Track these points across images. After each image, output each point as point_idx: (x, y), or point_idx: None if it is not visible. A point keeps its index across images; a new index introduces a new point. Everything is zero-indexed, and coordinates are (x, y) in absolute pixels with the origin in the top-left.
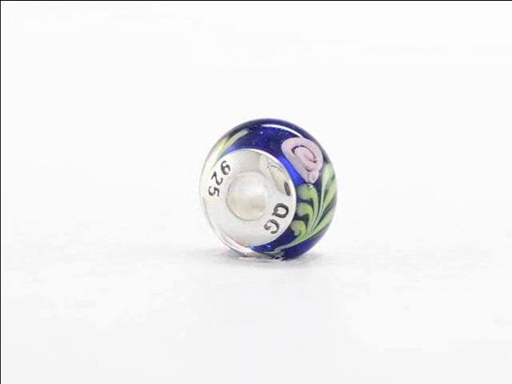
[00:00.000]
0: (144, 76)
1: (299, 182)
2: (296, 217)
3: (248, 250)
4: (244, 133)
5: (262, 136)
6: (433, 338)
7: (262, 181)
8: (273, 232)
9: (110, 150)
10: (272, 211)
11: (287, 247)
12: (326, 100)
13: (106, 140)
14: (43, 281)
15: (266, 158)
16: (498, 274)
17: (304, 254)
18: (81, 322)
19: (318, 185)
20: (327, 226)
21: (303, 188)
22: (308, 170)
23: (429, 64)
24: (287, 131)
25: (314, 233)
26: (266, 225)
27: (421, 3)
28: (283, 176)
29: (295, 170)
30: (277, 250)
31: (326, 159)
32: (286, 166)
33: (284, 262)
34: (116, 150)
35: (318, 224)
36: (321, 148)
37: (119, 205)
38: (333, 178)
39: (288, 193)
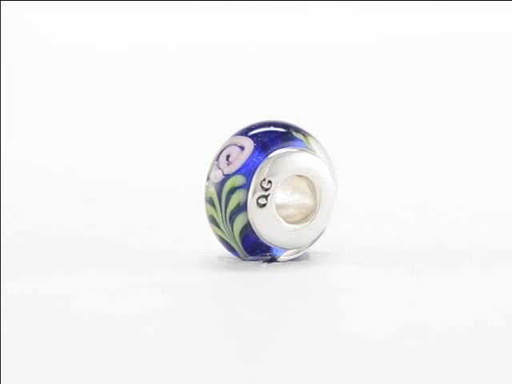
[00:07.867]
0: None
1: (207, 178)
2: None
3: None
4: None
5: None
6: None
7: None
8: None
9: (114, 153)
10: None
11: (244, 251)
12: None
13: (109, 144)
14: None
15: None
16: (497, 273)
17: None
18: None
19: (218, 186)
20: (245, 230)
21: (205, 185)
22: (217, 168)
23: (428, 63)
24: (258, 133)
25: (238, 236)
26: None
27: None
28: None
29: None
30: (241, 254)
31: (245, 172)
32: None
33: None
34: (119, 154)
35: (231, 227)
36: (252, 160)
37: (124, 209)
38: (239, 187)
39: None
